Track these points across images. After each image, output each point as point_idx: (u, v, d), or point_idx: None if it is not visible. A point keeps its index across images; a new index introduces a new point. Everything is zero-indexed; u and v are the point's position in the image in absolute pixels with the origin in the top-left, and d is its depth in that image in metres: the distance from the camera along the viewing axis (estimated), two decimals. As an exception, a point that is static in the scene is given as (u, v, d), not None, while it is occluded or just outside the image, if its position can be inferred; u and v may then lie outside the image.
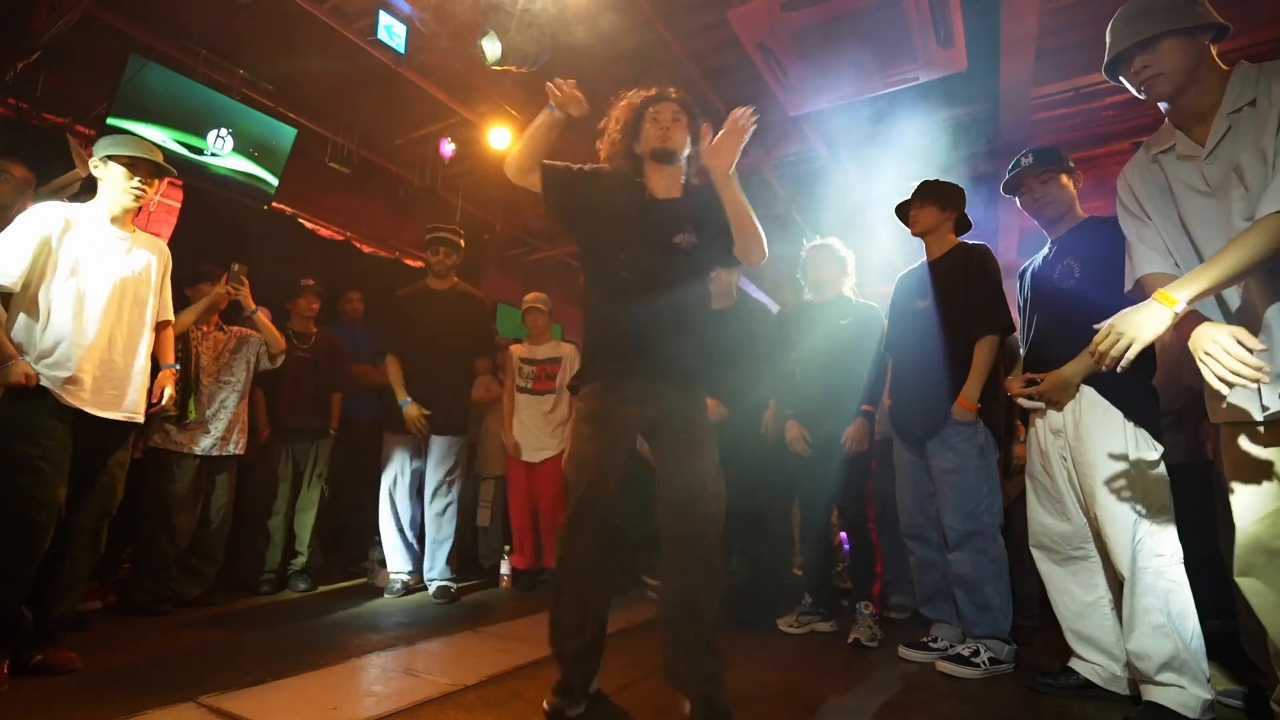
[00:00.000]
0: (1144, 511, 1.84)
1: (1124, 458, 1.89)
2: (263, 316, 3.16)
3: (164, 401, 2.35)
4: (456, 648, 2.48)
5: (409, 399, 3.31)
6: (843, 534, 3.46)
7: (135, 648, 2.33)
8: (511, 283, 6.70)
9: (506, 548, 3.87)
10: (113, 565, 3.10)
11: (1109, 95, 3.98)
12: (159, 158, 2.21)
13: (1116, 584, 1.97)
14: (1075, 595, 2.06)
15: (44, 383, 1.96)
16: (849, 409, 2.76)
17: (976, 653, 2.26)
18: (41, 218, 2.05)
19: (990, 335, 2.38)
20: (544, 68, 3.43)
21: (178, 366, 2.43)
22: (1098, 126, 4.27)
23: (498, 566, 3.83)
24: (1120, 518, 1.87)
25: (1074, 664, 2.06)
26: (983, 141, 4.28)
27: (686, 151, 1.84)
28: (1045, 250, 2.24)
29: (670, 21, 3.62)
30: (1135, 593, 1.83)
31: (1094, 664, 2.02)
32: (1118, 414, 1.92)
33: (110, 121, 3.63)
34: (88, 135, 3.74)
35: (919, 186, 2.64)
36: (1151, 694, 1.77)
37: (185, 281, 3.22)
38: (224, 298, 3.00)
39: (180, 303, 3.07)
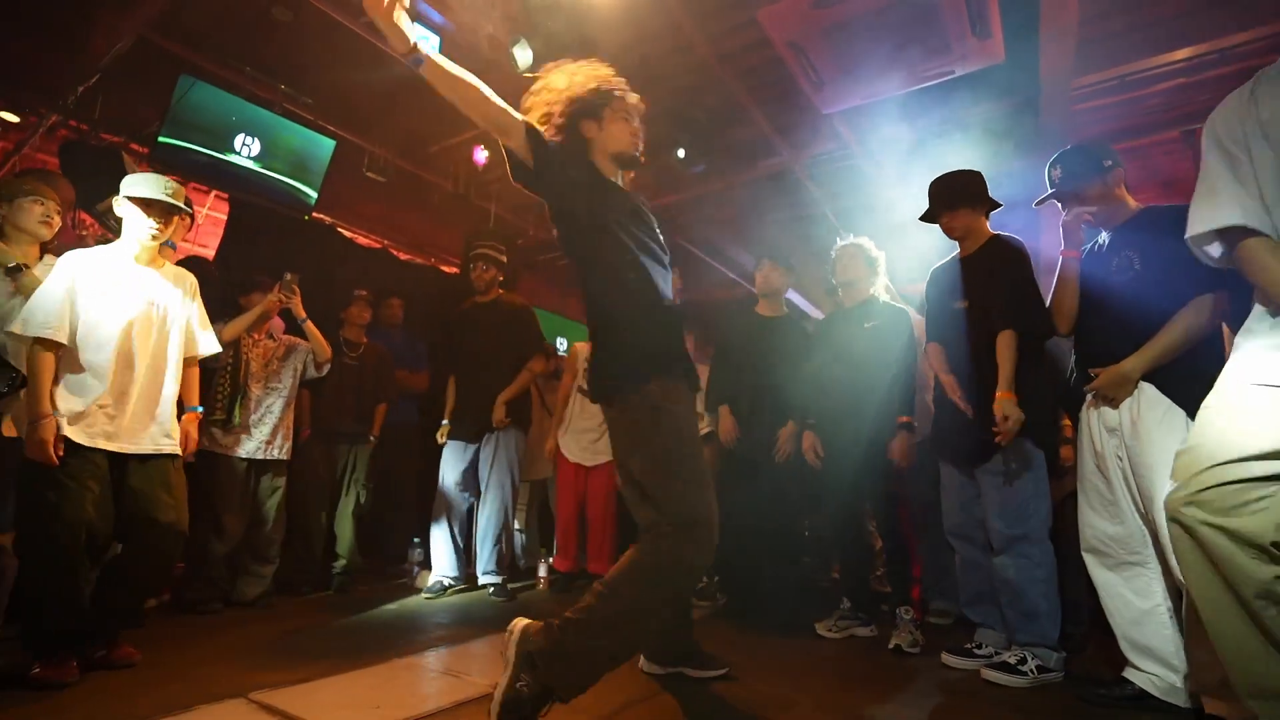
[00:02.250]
0: None
1: None
2: (312, 326, 3.26)
3: (187, 451, 2.34)
4: (496, 649, 2.49)
5: (447, 421, 3.52)
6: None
7: (188, 645, 2.42)
8: (544, 287, 6.77)
9: (544, 550, 3.90)
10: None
11: (1156, 83, 3.83)
12: (179, 198, 2.23)
13: (1175, 590, 1.89)
14: (1130, 602, 1.97)
15: (64, 431, 1.98)
16: (873, 414, 2.71)
17: (1024, 660, 2.19)
18: (62, 267, 2.10)
19: (1011, 331, 2.25)
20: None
21: (200, 409, 2.45)
22: (1144, 115, 4.12)
23: (535, 569, 3.86)
24: None
25: (1129, 674, 1.98)
26: (1022, 134, 4.17)
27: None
28: (1100, 240, 2.16)
29: (699, 23, 3.61)
30: None
31: (1151, 674, 1.93)
32: (1181, 413, 1.84)
33: (161, 139, 3.79)
34: (141, 153, 3.92)
35: (939, 192, 2.50)
36: (1217, 707, 1.69)
37: (239, 290, 3.35)
38: (276, 306, 3.09)
39: (235, 311, 3.18)
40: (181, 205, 2.26)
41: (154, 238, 2.23)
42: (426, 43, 1.65)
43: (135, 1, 3.33)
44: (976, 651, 2.38)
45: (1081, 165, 2.10)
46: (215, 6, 3.58)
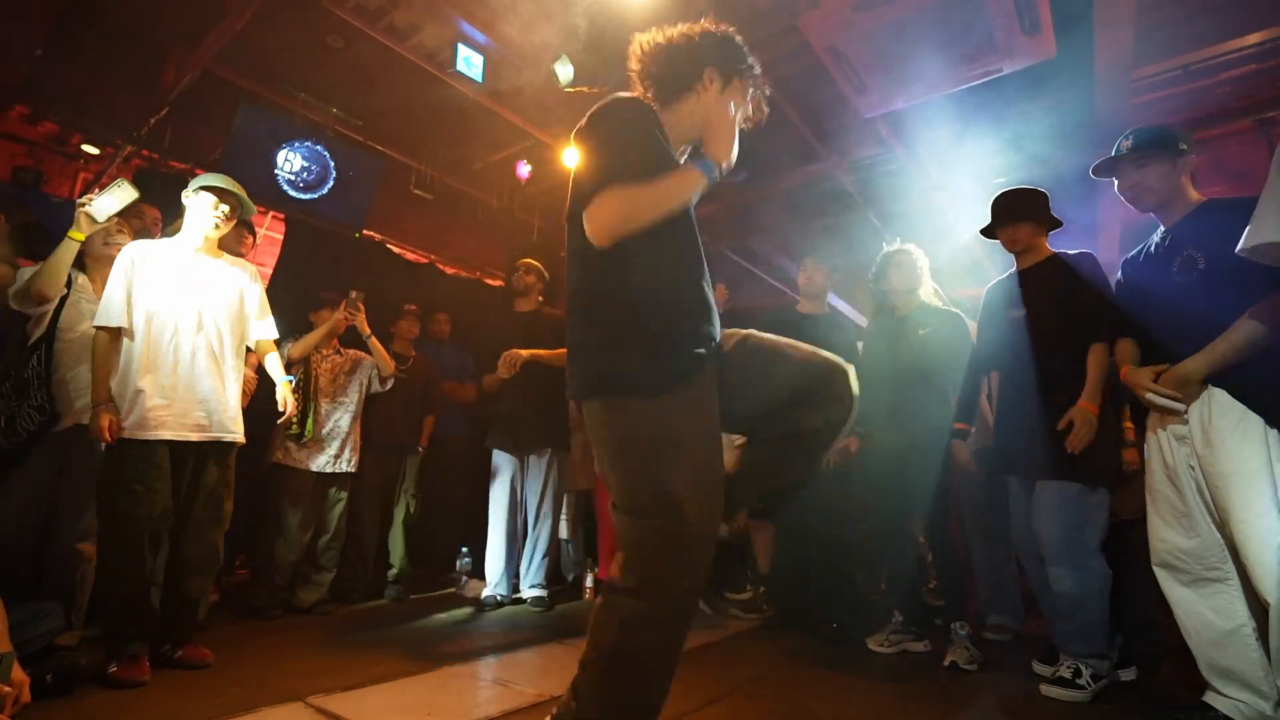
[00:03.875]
0: None
1: (1267, 469, 1.69)
2: (376, 342, 3.34)
3: (287, 413, 2.50)
4: (544, 659, 2.53)
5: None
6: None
7: (249, 648, 2.51)
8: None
9: (589, 560, 3.91)
10: (224, 569, 3.36)
11: (1223, 71, 3.64)
12: (243, 193, 2.40)
13: (1260, 609, 1.76)
14: (1210, 622, 1.84)
15: (128, 427, 2.12)
16: (927, 423, 2.63)
17: (1079, 673, 2.12)
18: (121, 257, 2.24)
19: (1099, 343, 2.21)
20: (615, 85, 3.50)
21: (292, 379, 2.57)
22: (1211, 105, 3.90)
23: (581, 578, 3.88)
24: (1264, 536, 1.67)
25: (1210, 698, 1.85)
26: (1077, 131, 4.01)
27: None
28: (1156, 238, 2.06)
29: (737, 31, 3.61)
30: None
31: (1236, 700, 1.79)
32: (1257, 420, 1.73)
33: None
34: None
35: (1002, 206, 2.51)
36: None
37: (309, 307, 3.49)
38: (343, 323, 3.20)
39: (303, 327, 3.31)
40: (244, 195, 2.40)
41: (217, 226, 2.34)
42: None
43: (202, 37, 3.54)
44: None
45: (1155, 140, 2.00)
46: (272, 38, 3.76)
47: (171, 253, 2.31)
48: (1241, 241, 1.53)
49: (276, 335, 2.57)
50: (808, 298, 3.23)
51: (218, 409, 2.27)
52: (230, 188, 2.35)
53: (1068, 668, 2.15)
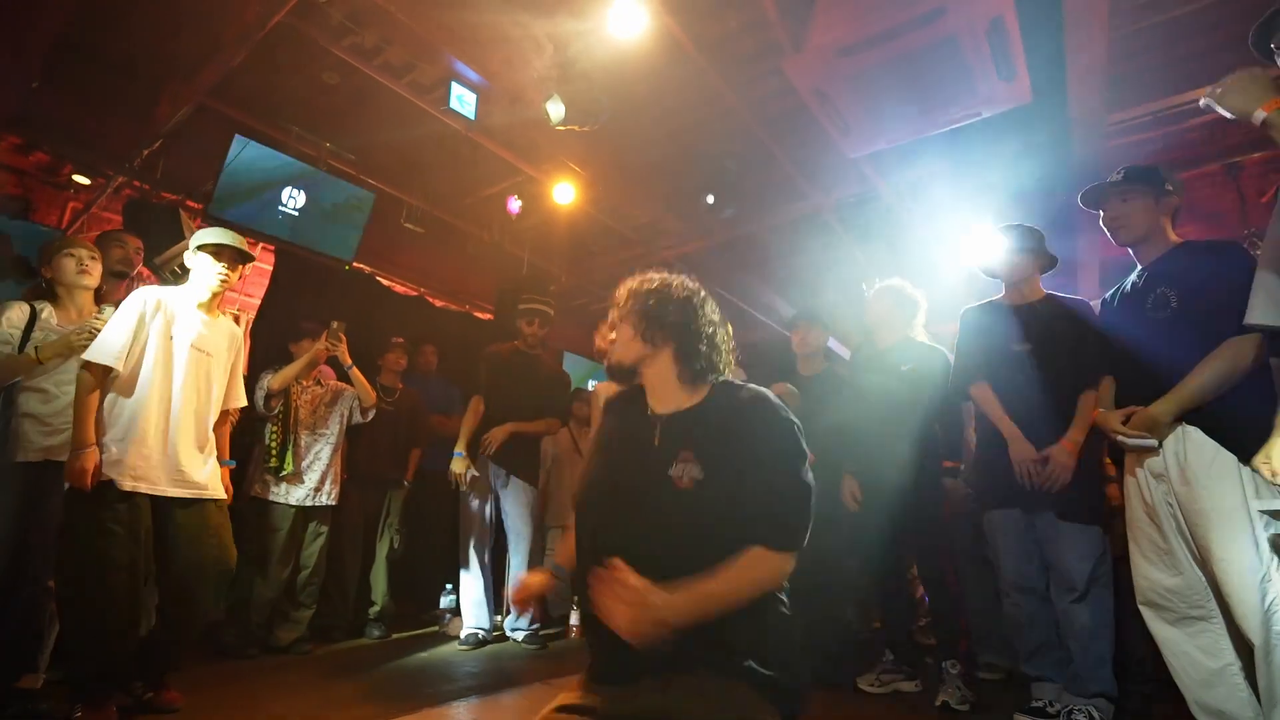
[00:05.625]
0: (1275, 569, 1.64)
1: (1243, 506, 1.69)
2: (358, 372, 3.31)
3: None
4: (528, 700, 2.46)
5: (463, 452, 3.36)
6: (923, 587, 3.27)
7: (224, 690, 2.43)
8: (576, 331, 6.84)
9: (575, 598, 3.84)
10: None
11: (1193, 116, 3.78)
12: (244, 245, 2.38)
13: (1244, 647, 1.75)
14: (1198, 661, 1.83)
15: (110, 473, 2.03)
16: (913, 459, 2.63)
17: (1091, 716, 2.07)
18: (135, 299, 2.19)
19: (1091, 390, 2.22)
20: (605, 123, 3.57)
21: (234, 463, 2.46)
22: (1184, 149, 4.05)
23: (567, 616, 3.80)
24: (1244, 576, 1.66)
25: (1202, 739, 1.84)
26: (1056, 173, 4.13)
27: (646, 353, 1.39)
28: (1133, 277, 2.10)
29: (725, 73, 3.71)
30: (1272, 664, 1.61)
31: (1227, 741, 1.78)
32: (1230, 457, 1.73)
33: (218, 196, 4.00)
34: (196, 209, 4.14)
35: (1007, 240, 2.51)
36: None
37: (289, 337, 3.46)
38: (324, 354, 3.17)
39: (284, 358, 3.28)
40: (249, 252, 2.40)
41: (221, 283, 2.33)
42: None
43: (198, 71, 3.58)
44: (1050, 710, 2.24)
45: (1142, 177, 2.05)
46: (268, 73, 3.82)
47: (178, 305, 2.28)
48: (1252, 315, 1.55)
49: (245, 404, 2.52)
50: (804, 358, 3.18)
51: (198, 465, 2.21)
52: (226, 241, 2.33)
53: (1081, 711, 2.11)
